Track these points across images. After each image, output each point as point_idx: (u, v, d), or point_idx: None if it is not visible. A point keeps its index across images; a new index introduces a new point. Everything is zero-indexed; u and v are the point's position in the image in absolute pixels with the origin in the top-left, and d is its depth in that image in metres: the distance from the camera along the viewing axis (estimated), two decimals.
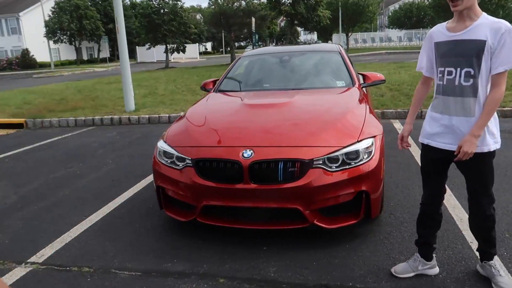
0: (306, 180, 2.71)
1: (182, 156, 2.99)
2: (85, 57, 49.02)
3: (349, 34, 45.91)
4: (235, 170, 2.77)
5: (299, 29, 57.27)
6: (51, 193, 4.34)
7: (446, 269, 2.57)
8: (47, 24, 37.48)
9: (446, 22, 2.22)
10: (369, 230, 3.11)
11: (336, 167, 2.78)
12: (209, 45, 77.48)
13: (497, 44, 2.00)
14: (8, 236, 3.37)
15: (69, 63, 44.25)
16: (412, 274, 2.48)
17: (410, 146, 2.53)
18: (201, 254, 2.90)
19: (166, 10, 25.17)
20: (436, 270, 2.52)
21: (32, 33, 41.25)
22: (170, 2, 25.36)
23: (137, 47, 44.52)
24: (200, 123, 3.31)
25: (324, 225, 2.82)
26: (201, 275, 2.63)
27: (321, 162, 2.76)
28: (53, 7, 38.87)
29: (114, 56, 55.77)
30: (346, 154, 2.81)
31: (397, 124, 7.02)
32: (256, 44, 27.70)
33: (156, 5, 24.48)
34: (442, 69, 2.17)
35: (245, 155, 2.77)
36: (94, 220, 3.58)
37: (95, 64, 42.50)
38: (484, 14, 2.09)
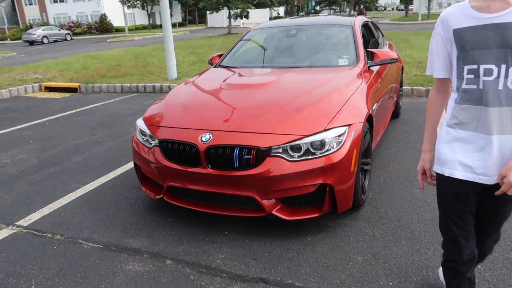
0: (262, 169, 2.58)
1: (151, 135, 3.00)
2: (158, 22, 50.72)
3: None
4: (193, 154, 2.72)
5: None
6: (66, 159, 4.66)
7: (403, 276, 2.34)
8: None
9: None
10: (340, 224, 2.93)
11: (298, 156, 2.61)
12: (281, 10, 76.00)
13: None
14: (12, 197, 3.69)
15: (143, 27, 46.16)
16: None
17: (435, 181, 1.79)
18: (163, 232, 2.94)
19: None
20: None
21: None
22: None
23: (207, 12, 45.03)
24: (177, 102, 3.27)
25: (283, 216, 2.70)
26: (152, 254, 2.68)
27: (280, 151, 2.61)
28: None
29: (187, 21, 57.08)
30: (311, 143, 2.61)
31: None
32: (312, 10, 26.47)
33: None
34: (475, 67, 1.51)
35: (203, 139, 2.70)
36: (88, 189, 3.78)
37: None
38: None
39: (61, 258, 2.69)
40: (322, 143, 2.61)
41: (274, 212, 2.69)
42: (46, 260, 2.68)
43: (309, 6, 24.44)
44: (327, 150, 2.61)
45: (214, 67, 4.28)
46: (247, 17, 27.82)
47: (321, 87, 3.17)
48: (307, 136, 2.61)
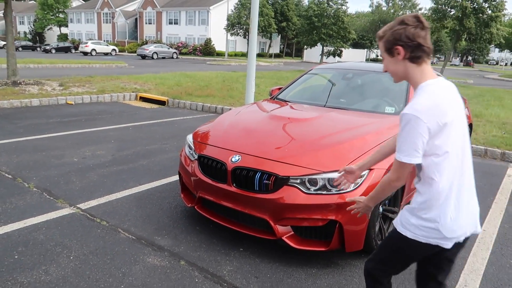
0: (277, 195, 2.81)
1: (195, 149, 3.40)
2: (257, 51, 53.50)
3: None
4: (223, 171, 3.05)
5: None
6: (134, 160, 5.31)
7: None
8: (228, 18, 42.23)
9: None
10: (350, 264, 3.00)
11: (314, 190, 2.79)
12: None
13: None
14: (81, 184, 4.36)
15: (242, 54, 48.97)
16: None
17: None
18: (188, 237, 3.28)
19: (329, 13, 25.61)
20: None
21: (216, 25, 47.12)
22: (334, 6, 25.65)
23: (304, 46, 46.50)
24: (222, 124, 3.66)
25: (291, 243, 2.87)
26: (172, 253, 3.02)
27: (298, 182, 2.81)
28: (236, 3, 43.48)
29: (284, 53, 59.26)
30: (328, 179, 2.78)
31: None
32: None
33: (318, 9, 25.13)
34: None
35: (233, 159, 3.02)
36: (141, 189, 4.31)
37: (262, 58, 45.98)
38: None
39: (100, 241, 3.16)
40: None
41: (284, 238, 2.88)
42: (88, 239, 3.17)
43: None
44: (343, 189, 2.75)
45: (271, 98, 4.63)
46: (340, 55, 28.13)
47: (356, 129, 3.32)
48: (325, 172, 2.79)
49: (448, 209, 1.67)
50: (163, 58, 37.99)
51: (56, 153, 5.47)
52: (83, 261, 2.86)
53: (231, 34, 43.71)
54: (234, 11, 42.96)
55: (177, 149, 6.03)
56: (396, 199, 3.30)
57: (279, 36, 49.69)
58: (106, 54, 40.18)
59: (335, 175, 2.77)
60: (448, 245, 1.70)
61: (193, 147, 3.46)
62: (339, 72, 4.67)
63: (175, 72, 18.66)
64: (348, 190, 2.76)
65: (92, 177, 4.61)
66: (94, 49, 38.78)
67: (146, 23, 54.74)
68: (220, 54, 46.33)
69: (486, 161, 6.44)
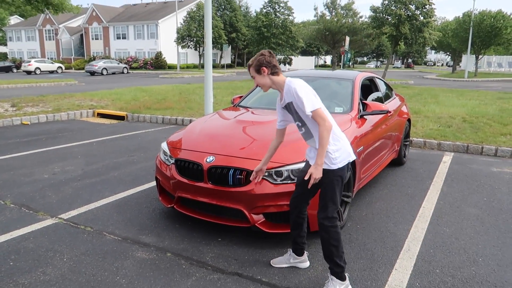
0: (249, 187, 3.25)
1: (171, 155, 3.78)
2: None
3: (479, 56, 42.07)
4: (199, 171, 3.45)
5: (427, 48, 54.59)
6: (105, 173, 5.54)
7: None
8: (178, 31, 42.37)
9: None
10: (314, 243, 3.48)
11: (281, 180, 3.26)
12: (328, 58, 78.17)
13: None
14: (58, 197, 4.55)
15: (194, 66, 49.15)
16: (285, 266, 3.08)
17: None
18: (170, 234, 3.63)
19: (277, 24, 26.65)
20: (307, 264, 3.10)
21: (166, 38, 47.02)
22: (281, 16, 26.72)
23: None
24: (194, 130, 4.06)
25: (264, 228, 3.32)
26: (158, 248, 3.36)
27: (266, 174, 3.27)
28: (185, 16, 43.74)
29: (235, 63, 60.05)
30: (291, 170, 3.26)
31: (447, 157, 6.80)
32: (347, 62, 27.43)
33: (266, 19, 26.11)
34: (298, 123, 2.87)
35: (208, 159, 3.43)
36: (118, 197, 4.58)
37: (215, 69, 46.35)
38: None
39: (88, 244, 3.44)
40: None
41: (257, 224, 3.32)
42: (77, 244, 3.43)
43: (345, 58, 25.15)
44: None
45: (234, 105, 5.08)
46: (290, 63, 29.21)
47: None
48: (288, 164, 3.27)
49: None
50: (113, 73, 37.38)
51: (24, 171, 5.57)
52: (76, 261, 3.14)
53: (182, 47, 43.84)
54: (183, 24, 43.18)
55: (145, 160, 6.31)
56: (349, 185, 3.84)
57: (230, 47, 50.37)
58: (51, 72, 38.85)
59: (296, 166, 3.27)
60: None
61: (168, 153, 3.83)
62: None
63: (129, 87, 18.65)
64: None
65: (67, 190, 4.81)
66: (38, 68, 37.36)
67: (92, 38, 53.49)
68: (171, 67, 46.24)
69: (425, 151, 7.26)
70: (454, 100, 13.58)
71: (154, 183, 5.06)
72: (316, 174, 2.57)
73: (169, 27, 46.68)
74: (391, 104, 5.64)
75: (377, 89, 5.48)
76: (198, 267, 3.08)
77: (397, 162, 6.00)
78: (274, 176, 3.27)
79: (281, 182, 3.25)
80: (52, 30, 56.30)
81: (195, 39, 43.41)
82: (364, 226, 3.86)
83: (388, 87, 6.13)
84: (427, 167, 6.10)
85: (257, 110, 4.70)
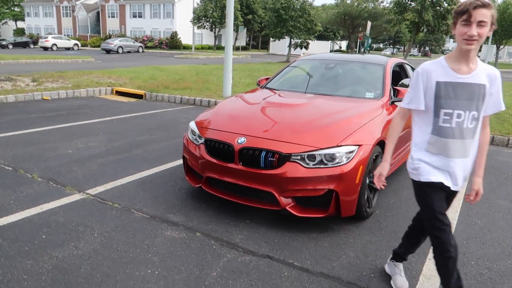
0: (281, 170, 3.20)
1: (200, 134, 3.74)
2: (223, 44, 53.41)
3: (500, 46, 40.95)
4: (230, 152, 3.40)
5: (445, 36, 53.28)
6: (128, 150, 5.54)
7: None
8: (194, 11, 41.97)
9: (444, 59, 2.19)
10: (344, 228, 3.44)
11: (313, 164, 3.21)
12: (344, 44, 77.00)
13: (492, 89, 2.14)
14: (83, 173, 4.57)
15: (208, 47, 48.88)
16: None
17: (386, 186, 2.45)
18: (197, 214, 3.62)
19: (295, 6, 26.18)
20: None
21: (182, 18, 46.69)
22: None
23: (270, 39, 46.90)
24: (223, 111, 4.00)
25: (294, 212, 3.28)
26: (186, 228, 3.35)
27: (299, 158, 3.22)
28: None
29: (250, 45, 59.54)
30: (324, 155, 3.20)
31: None
32: (368, 48, 26.95)
33: (285, 1, 25.65)
34: (450, 111, 2.11)
35: (239, 141, 3.38)
36: (143, 175, 4.58)
37: None
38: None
39: (117, 220, 3.45)
40: (334, 156, 3.19)
41: (288, 208, 3.28)
42: (106, 219, 3.45)
43: (366, 43, 24.60)
44: (337, 163, 3.19)
45: (260, 87, 5.00)
46: (306, 47, 28.82)
47: (343, 112, 3.76)
48: (322, 148, 3.21)
49: None
50: (129, 52, 37.33)
51: (49, 146, 5.61)
52: (107, 237, 3.15)
53: (198, 27, 43.48)
54: (200, 3, 42.71)
55: (166, 139, 6.29)
56: None
57: (245, 29, 49.86)
58: (67, 49, 39.00)
59: (330, 151, 3.20)
60: None
61: (197, 132, 3.79)
62: (321, 63, 5.11)
63: (146, 66, 18.61)
64: (342, 163, 3.19)
65: (92, 166, 4.83)
66: (55, 44, 37.53)
67: (108, 16, 53.35)
68: (186, 48, 46.03)
69: None
70: None
71: (178, 162, 5.05)
72: (480, 188, 2.27)
73: (185, 7, 46.27)
74: None
75: (406, 76, 5.34)
76: (229, 248, 3.07)
77: None
78: (307, 160, 3.22)
79: (313, 166, 3.20)
80: (69, 6, 56.25)
81: (211, 20, 43.00)
82: (393, 214, 3.80)
83: None
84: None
85: (284, 93, 4.62)
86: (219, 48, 49.81)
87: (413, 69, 5.88)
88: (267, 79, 5.22)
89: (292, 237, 3.26)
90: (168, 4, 47.85)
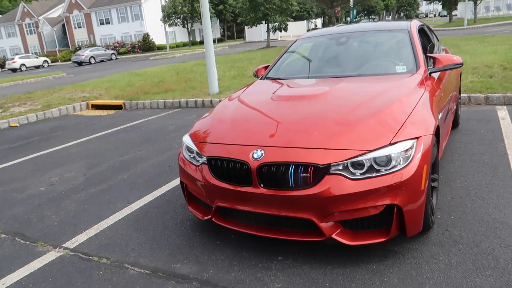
0: (320, 188, 2.33)
1: (199, 151, 2.83)
2: (197, 39, 52.01)
3: (478, 1, 40.30)
4: (244, 172, 2.51)
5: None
6: (112, 177, 4.61)
7: None
8: (163, 9, 40.47)
9: None
10: (409, 249, 2.60)
11: (361, 174, 2.33)
12: (319, 22, 75.93)
13: None
14: (59, 217, 3.64)
15: (183, 44, 47.44)
16: None
17: None
18: (212, 256, 2.74)
19: None
20: None
21: (151, 18, 45.11)
22: None
23: (246, 27, 45.61)
24: (225, 117, 3.09)
25: (344, 241, 2.42)
26: (202, 282, 2.47)
27: (341, 168, 2.34)
28: None
29: (225, 36, 58.22)
30: (374, 159, 2.33)
31: (502, 112, 5.86)
32: (354, 20, 25.99)
33: None
34: None
35: (255, 155, 2.49)
36: (133, 208, 3.67)
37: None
38: None
39: (108, 285, 2.55)
40: (388, 159, 2.33)
41: (334, 236, 2.42)
42: (92, 286, 2.54)
43: (351, 15, 23.50)
44: (394, 167, 2.32)
45: (260, 79, 4.09)
46: (285, 29, 27.78)
47: (380, 97, 2.89)
48: (371, 151, 2.33)
49: None
50: (102, 61, 35.90)
51: (16, 185, 4.65)
52: None
53: (169, 25, 42.00)
54: (168, 1, 41.17)
55: (155, 154, 5.37)
56: (436, 164, 2.94)
57: (218, 20, 48.47)
58: (37, 67, 37.30)
59: (382, 152, 2.33)
60: None
61: (195, 149, 2.88)
62: (330, 38, 4.20)
63: (122, 72, 17.48)
64: (400, 167, 2.33)
65: (69, 206, 3.90)
66: (23, 64, 35.79)
67: (75, 27, 51.38)
68: (161, 48, 44.56)
69: (472, 108, 6.32)
70: (479, 47, 12.46)
71: (174, 184, 4.15)
72: None
73: (153, 6, 44.67)
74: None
75: (429, 40, 4.46)
76: None
77: (454, 124, 5.05)
78: (351, 169, 2.35)
79: (362, 177, 2.32)
80: (32, 23, 54.05)
81: (182, 16, 41.55)
82: (460, 216, 2.97)
83: (435, 36, 5.10)
84: (487, 127, 5.16)
85: (293, 82, 3.72)
86: (194, 43, 48.48)
87: (431, 30, 5.01)
88: (266, 67, 4.30)
89: (346, 275, 2.40)
90: (135, 6, 46.14)
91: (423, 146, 2.43)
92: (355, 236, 2.45)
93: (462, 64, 3.44)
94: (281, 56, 4.28)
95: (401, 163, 2.34)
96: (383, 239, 2.41)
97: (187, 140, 3.06)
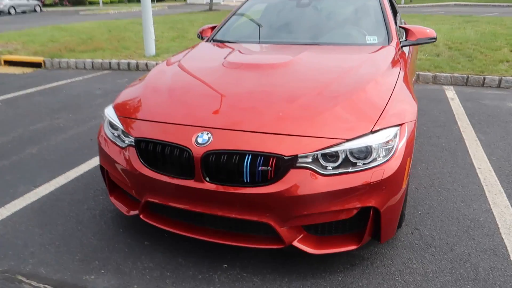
0: (283, 185, 1.81)
1: (125, 130, 2.17)
2: None
3: None
4: (185, 161, 1.92)
5: None
6: (17, 150, 3.75)
7: None
8: None
9: None
10: (378, 254, 2.21)
11: (334, 168, 1.85)
12: None
13: None
14: None
15: (119, 1, 43.83)
16: None
17: None
18: (139, 264, 2.15)
19: None
20: None
21: None
22: None
23: None
24: (161, 86, 2.43)
25: (308, 249, 1.95)
26: None
27: (310, 160, 1.84)
28: None
29: None
30: (351, 150, 1.85)
31: (450, 92, 5.75)
32: None
33: None
34: None
35: (200, 140, 1.90)
36: (40, 194, 2.92)
37: None
38: None
39: None
40: (368, 150, 1.86)
41: (295, 243, 1.94)
42: None
43: None
44: (374, 160, 1.86)
45: (206, 41, 3.42)
46: None
47: (353, 73, 2.40)
48: (348, 140, 1.85)
49: None
50: (24, 12, 31.94)
51: None
52: None
53: None
54: None
55: (76, 124, 4.52)
56: None
57: None
58: None
59: (361, 142, 1.86)
60: None
61: (120, 127, 2.21)
62: None
63: (45, 26, 15.47)
64: (380, 161, 1.87)
65: None
66: None
67: None
68: (93, 3, 40.77)
69: (421, 86, 6.16)
70: (422, 25, 12.55)
71: (95, 162, 3.43)
72: None
73: None
74: None
75: (395, 10, 4.04)
76: None
77: None
78: (322, 162, 1.85)
79: (335, 172, 1.84)
80: None
81: None
82: (428, 211, 2.64)
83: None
84: (439, 107, 4.99)
85: (247, 47, 3.10)
86: (131, 1, 45.01)
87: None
88: (212, 28, 3.63)
89: (306, 286, 1.96)
90: None
91: (407, 134, 1.99)
92: (321, 243, 1.99)
93: (435, 38, 3.06)
94: (232, 16, 3.62)
95: (382, 156, 1.88)
96: (353, 247, 1.97)
97: (110, 113, 2.37)
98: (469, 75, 6.25)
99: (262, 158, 1.82)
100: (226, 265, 2.13)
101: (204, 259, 2.17)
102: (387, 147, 1.90)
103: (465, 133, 4.11)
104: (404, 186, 1.98)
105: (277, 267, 2.11)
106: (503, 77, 6.11)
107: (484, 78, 6.18)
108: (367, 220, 1.93)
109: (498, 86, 6.12)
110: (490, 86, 6.13)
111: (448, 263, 2.13)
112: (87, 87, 6.44)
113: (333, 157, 1.85)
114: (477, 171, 3.23)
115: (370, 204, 1.86)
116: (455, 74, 6.30)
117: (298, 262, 2.13)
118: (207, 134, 1.90)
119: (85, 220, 2.58)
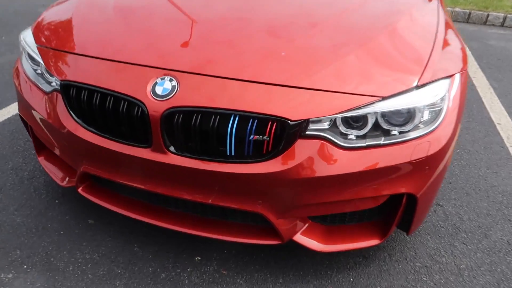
0: (287, 163, 1.21)
1: (48, 69, 1.45)
2: None
3: None
4: (137, 120, 1.26)
5: None
6: None
7: None
8: None
9: None
10: (395, 241, 1.72)
11: (359, 137, 1.25)
12: None
13: None
14: None
15: None
16: None
17: None
18: (79, 254, 1.57)
19: None
20: None
21: None
22: None
23: None
24: (101, 2, 1.67)
25: (315, 245, 1.41)
26: None
27: (325, 127, 1.23)
28: None
29: None
30: (384, 114, 1.25)
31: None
32: None
33: None
34: None
35: (159, 90, 1.23)
36: None
37: None
38: None
39: None
40: (411, 114, 1.26)
41: (297, 237, 1.40)
42: None
43: None
44: (415, 128, 1.27)
45: None
46: None
47: (380, 3, 1.72)
48: (384, 98, 1.23)
49: None
50: None
51: None
52: None
53: None
54: None
55: (8, 49, 3.65)
56: None
57: None
58: None
59: (400, 102, 1.25)
60: None
61: (41, 62, 1.49)
62: None
63: None
64: (425, 130, 1.28)
65: None
66: None
67: None
68: None
69: None
70: None
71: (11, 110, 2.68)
72: None
73: None
74: None
75: None
76: None
77: None
78: (344, 128, 1.24)
79: (359, 145, 1.24)
80: None
81: None
82: (450, 181, 2.15)
83: None
84: None
85: None
86: None
87: None
88: None
89: (303, 282, 1.46)
90: None
91: (458, 90, 1.40)
92: (330, 235, 1.45)
93: None
94: None
95: (426, 121, 1.29)
96: (375, 242, 1.45)
97: (27, 40, 1.62)
98: (472, 11, 5.61)
99: (256, 121, 1.19)
100: (199, 258, 1.58)
101: (168, 248, 1.61)
102: (435, 108, 1.30)
103: (475, 78, 3.59)
104: (448, 163, 1.42)
105: (268, 262, 1.58)
106: (508, 15, 5.51)
107: (488, 15, 5.56)
108: (396, 206, 1.39)
109: (502, 25, 5.54)
110: (493, 25, 5.55)
111: (485, 255, 1.67)
112: (28, 1, 5.35)
113: (358, 121, 1.25)
114: (498, 127, 2.74)
115: (404, 190, 1.31)
116: (457, 9, 5.65)
117: (296, 255, 1.61)
118: (170, 80, 1.23)
119: (8, 185, 1.93)
